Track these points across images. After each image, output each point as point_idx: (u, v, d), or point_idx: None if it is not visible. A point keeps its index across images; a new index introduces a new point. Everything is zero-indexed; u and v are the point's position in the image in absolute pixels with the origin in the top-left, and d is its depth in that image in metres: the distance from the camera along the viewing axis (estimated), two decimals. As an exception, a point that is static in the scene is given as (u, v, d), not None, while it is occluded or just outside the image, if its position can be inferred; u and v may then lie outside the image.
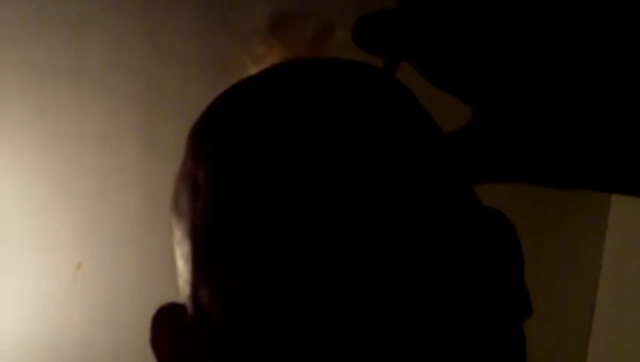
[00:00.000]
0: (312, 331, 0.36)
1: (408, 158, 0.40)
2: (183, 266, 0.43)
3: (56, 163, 1.19)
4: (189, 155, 0.45)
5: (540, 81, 0.37)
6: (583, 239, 1.27)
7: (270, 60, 0.49)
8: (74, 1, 1.14)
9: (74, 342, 1.23)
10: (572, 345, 1.28)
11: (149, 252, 1.15)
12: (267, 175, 0.39)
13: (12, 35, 1.15)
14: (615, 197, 1.23)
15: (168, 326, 0.44)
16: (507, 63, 0.37)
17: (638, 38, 0.35)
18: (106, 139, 1.19)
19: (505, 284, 0.43)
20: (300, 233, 0.37)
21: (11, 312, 1.22)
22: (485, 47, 0.37)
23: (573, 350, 1.28)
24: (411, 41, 0.39)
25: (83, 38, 1.16)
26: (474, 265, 0.39)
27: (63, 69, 1.16)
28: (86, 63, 1.16)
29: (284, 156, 0.39)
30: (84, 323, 1.23)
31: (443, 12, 0.39)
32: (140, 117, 1.18)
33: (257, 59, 0.49)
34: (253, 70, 0.48)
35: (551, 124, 0.37)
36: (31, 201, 1.21)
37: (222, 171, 0.40)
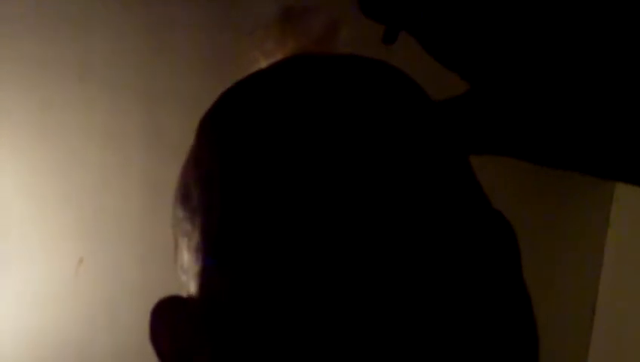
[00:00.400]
0: (317, 325, 0.36)
1: (415, 157, 0.40)
2: (191, 259, 0.43)
3: (58, 158, 1.19)
4: (201, 147, 0.44)
5: (535, 55, 0.37)
6: (584, 237, 1.27)
7: (280, 54, 0.49)
8: (77, -2, 1.14)
9: (75, 338, 1.23)
10: (573, 344, 1.28)
11: (152, 248, 1.15)
12: (280, 170, 0.39)
13: (15, 31, 1.14)
14: (617, 194, 1.23)
15: (168, 319, 0.44)
16: (505, 39, 0.37)
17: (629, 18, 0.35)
18: (109, 135, 1.19)
19: (503, 285, 0.43)
20: (313, 229, 0.37)
21: (12, 308, 1.22)
22: (483, 22, 0.37)
23: (575, 348, 1.28)
24: (413, 11, 0.39)
25: (86, 34, 1.16)
26: (473, 266, 0.39)
27: (66, 64, 1.16)
28: (89, 59, 1.16)
29: (297, 152, 0.39)
30: (86, 319, 1.23)
31: None
32: (144, 113, 1.18)
33: (267, 53, 0.49)
34: (263, 64, 0.48)
35: (542, 98, 0.37)
36: (33, 197, 1.21)
37: (237, 165, 0.40)
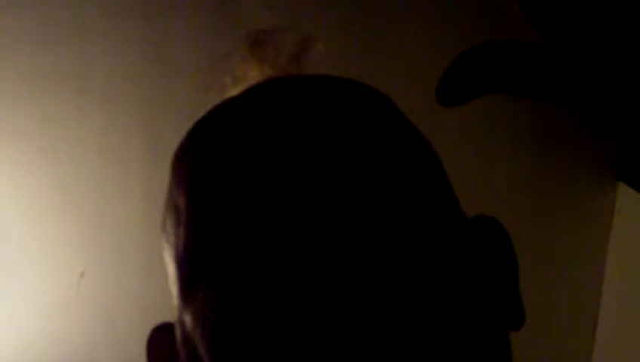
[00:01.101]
0: (290, 355, 0.36)
1: (390, 171, 0.39)
2: (172, 289, 0.43)
3: (58, 171, 1.19)
4: (171, 180, 0.44)
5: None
6: (587, 236, 1.27)
7: (251, 79, 0.48)
8: (76, 9, 1.14)
9: (77, 351, 1.23)
10: (577, 344, 1.28)
11: (152, 260, 1.15)
12: (245, 201, 0.38)
13: (14, 44, 1.15)
14: (620, 199, 1.23)
15: (164, 345, 0.44)
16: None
17: None
18: (109, 147, 1.19)
19: (497, 291, 0.42)
20: (279, 258, 0.37)
21: (14, 321, 1.22)
22: None
23: (578, 348, 1.28)
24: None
25: (85, 46, 1.16)
26: (464, 274, 0.39)
27: (66, 76, 1.16)
28: (88, 71, 1.16)
29: (262, 181, 0.38)
30: (88, 331, 1.23)
31: None
32: (143, 125, 1.18)
33: (238, 79, 0.49)
34: (234, 90, 0.47)
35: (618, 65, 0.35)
36: (33, 210, 1.21)
37: (201, 198, 0.40)
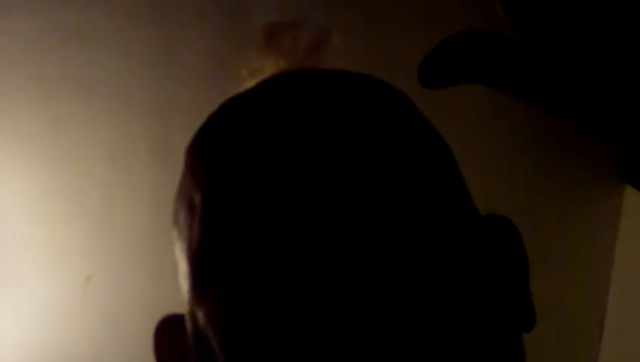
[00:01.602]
0: (306, 355, 0.36)
1: (405, 168, 0.39)
2: (182, 282, 0.43)
3: (66, 174, 1.20)
4: (186, 174, 0.44)
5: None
6: (594, 239, 1.27)
7: (267, 71, 0.48)
8: (84, 13, 1.15)
9: (84, 355, 1.23)
10: (583, 345, 1.28)
11: (160, 264, 1.15)
12: (262, 196, 0.38)
13: (22, 48, 1.15)
14: (626, 203, 1.23)
15: (171, 337, 0.44)
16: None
17: None
18: (117, 150, 1.19)
19: (509, 292, 0.42)
20: (294, 257, 0.37)
21: (21, 326, 1.22)
22: None
23: (585, 350, 1.28)
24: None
25: (93, 50, 1.16)
26: (475, 271, 0.39)
27: (74, 80, 1.16)
28: (96, 75, 1.17)
29: (279, 176, 0.38)
30: (94, 336, 1.23)
31: None
32: (151, 128, 1.18)
33: (254, 72, 0.49)
34: (250, 83, 0.47)
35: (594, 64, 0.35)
36: (41, 213, 1.21)
37: (218, 192, 0.40)
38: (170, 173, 1.29)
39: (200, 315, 0.40)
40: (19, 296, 1.21)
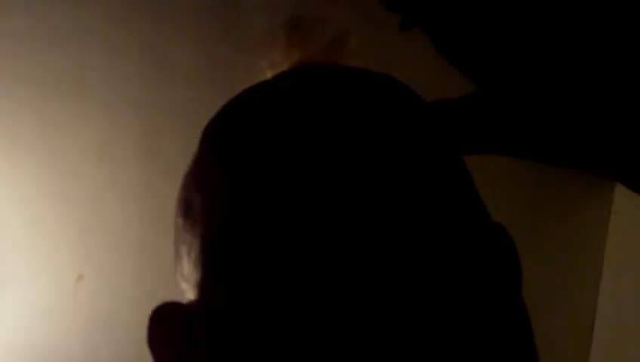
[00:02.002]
0: (320, 336, 0.36)
1: (417, 168, 0.40)
2: (191, 268, 0.43)
3: (55, 175, 1.19)
4: (204, 157, 0.44)
5: (543, 60, 0.37)
6: (584, 237, 1.27)
7: (286, 65, 0.49)
8: (73, 14, 1.14)
9: (75, 355, 1.23)
10: (573, 345, 1.28)
11: (151, 262, 1.15)
12: (283, 181, 0.39)
13: (13, 48, 1.15)
14: (616, 201, 1.23)
15: (167, 324, 0.44)
16: (513, 41, 0.37)
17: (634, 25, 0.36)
18: (106, 151, 1.19)
19: (502, 298, 0.43)
20: (315, 239, 0.37)
21: (11, 325, 1.21)
22: (492, 23, 0.38)
23: (575, 350, 1.28)
24: (426, 6, 0.39)
25: (83, 49, 1.16)
26: (472, 275, 0.39)
27: (64, 80, 1.16)
28: (85, 74, 1.16)
29: (300, 163, 0.39)
30: (85, 335, 1.23)
31: None
32: (141, 129, 1.18)
33: (274, 64, 0.49)
34: (269, 74, 0.48)
35: (550, 102, 0.37)
36: (30, 213, 1.21)
37: (240, 174, 0.40)
38: (160, 174, 1.29)
39: (216, 298, 0.40)
40: (8, 296, 1.21)
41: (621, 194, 1.22)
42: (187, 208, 0.44)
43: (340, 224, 0.37)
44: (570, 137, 0.37)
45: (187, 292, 0.43)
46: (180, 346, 0.42)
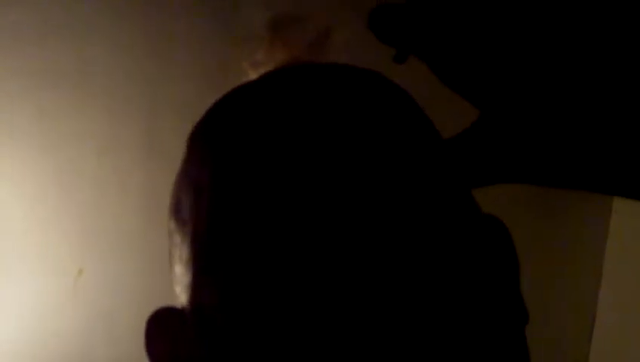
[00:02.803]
0: (312, 333, 0.36)
1: (406, 164, 0.40)
2: (182, 271, 0.43)
3: (56, 169, 1.19)
4: (191, 158, 0.44)
5: (544, 83, 0.37)
6: (584, 238, 1.27)
7: (270, 65, 0.49)
8: (74, 7, 1.14)
9: (74, 349, 1.23)
10: (574, 345, 1.28)
11: (151, 258, 1.15)
12: (270, 180, 0.39)
13: (12, 41, 1.15)
14: (616, 200, 1.23)
15: (164, 329, 0.44)
16: (512, 65, 0.37)
17: (636, 45, 0.36)
18: (107, 144, 1.19)
19: (500, 290, 0.43)
20: (302, 237, 0.37)
21: (11, 319, 1.22)
22: (491, 49, 0.38)
23: (575, 349, 1.28)
24: (421, 35, 0.39)
25: (83, 44, 1.16)
26: (469, 269, 0.39)
27: (63, 74, 1.16)
28: (86, 69, 1.16)
29: (286, 162, 0.39)
30: (85, 329, 1.23)
31: (452, 10, 0.39)
32: (141, 122, 1.18)
33: (257, 65, 0.49)
34: (253, 75, 0.48)
35: (555, 126, 0.37)
36: (31, 207, 1.21)
37: (226, 174, 0.40)
38: (160, 168, 1.29)
39: (206, 298, 0.40)
40: (8, 290, 1.21)
41: (620, 203, 1.22)
42: (177, 210, 0.44)
43: (328, 222, 0.37)
44: (573, 159, 0.37)
45: (180, 295, 0.43)
46: (177, 350, 0.42)
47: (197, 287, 0.41)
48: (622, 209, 1.22)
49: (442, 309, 0.37)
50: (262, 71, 0.48)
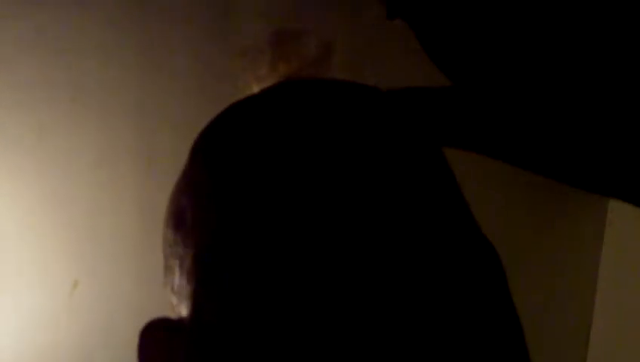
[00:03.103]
0: (314, 348, 0.36)
1: (404, 177, 0.40)
2: (183, 283, 0.43)
3: (52, 180, 1.19)
4: (195, 170, 0.45)
5: (525, 64, 0.37)
6: (579, 247, 1.27)
7: (273, 79, 0.49)
8: (69, 19, 1.14)
9: (71, 361, 1.22)
10: (570, 353, 1.28)
11: (146, 269, 1.15)
12: (274, 193, 0.39)
13: (7, 55, 1.15)
14: (612, 204, 1.23)
15: (158, 341, 0.44)
16: (494, 44, 0.38)
17: (628, 35, 0.36)
18: (103, 156, 1.19)
19: (492, 300, 0.43)
20: (308, 251, 0.37)
21: (7, 331, 1.21)
22: (475, 27, 0.38)
23: (572, 357, 1.28)
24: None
25: (79, 56, 1.16)
26: (461, 278, 0.40)
27: (60, 86, 1.16)
28: (81, 81, 1.16)
29: (290, 175, 0.39)
30: (81, 341, 1.23)
31: None
32: (137, 134, 1.18)
33: (260, 78, 0.50)
34: (256, 89, 0.48)
35: (524, 110, 0.37)
36: (27, 219, 1.20)
37: (231, 187, 0.41)
38: (157, 179, 1.29)
39: (208, 309, 0.40)
40: (5, 302, 1.20)
41: (615, 203, 1.22)
42: (178, 221, 0.44)
43: (331, 237, 0.37)
44: (562, 149, 0.37)
45: (177, 306, 0.43)
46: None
47: (199, 299, 0.41)
48: (617, 218, 1.23)
49: (442, 310, 0.38)
50: (265, 85, 0.49)
